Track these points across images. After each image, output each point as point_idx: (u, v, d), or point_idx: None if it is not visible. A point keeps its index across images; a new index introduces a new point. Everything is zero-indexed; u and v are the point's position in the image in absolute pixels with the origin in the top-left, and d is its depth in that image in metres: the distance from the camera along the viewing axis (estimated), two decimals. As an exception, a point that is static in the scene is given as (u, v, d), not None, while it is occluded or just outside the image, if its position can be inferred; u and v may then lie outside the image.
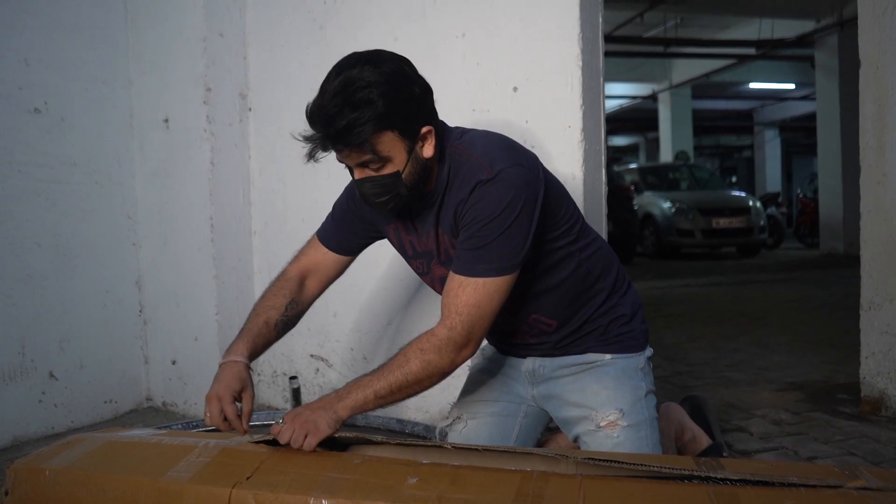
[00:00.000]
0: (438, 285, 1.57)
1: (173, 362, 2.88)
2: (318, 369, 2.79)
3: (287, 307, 1.66)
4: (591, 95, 2.23)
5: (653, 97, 15.94)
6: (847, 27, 10.01)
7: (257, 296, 2.91)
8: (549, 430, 1.83)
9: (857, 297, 2.58)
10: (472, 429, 1.71)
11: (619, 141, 23.93)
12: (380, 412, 2.59)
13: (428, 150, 1.43)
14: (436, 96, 2.41)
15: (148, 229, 2.91)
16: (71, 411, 2.68)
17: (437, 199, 1.48)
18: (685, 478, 1.18)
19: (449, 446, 1.33)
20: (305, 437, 1.33)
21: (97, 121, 2.78)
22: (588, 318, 1.60)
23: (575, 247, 1.56)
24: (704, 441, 1.87)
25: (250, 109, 2.89)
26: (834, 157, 10.46)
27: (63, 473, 1.36)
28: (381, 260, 2.60)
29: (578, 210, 1.62)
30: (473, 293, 1.39)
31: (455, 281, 1.41)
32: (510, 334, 1.67)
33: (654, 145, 19.67)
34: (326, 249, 1.70)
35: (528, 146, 2.25)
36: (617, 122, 18.79)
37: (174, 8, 2.77)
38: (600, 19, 2.31)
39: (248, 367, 1.54)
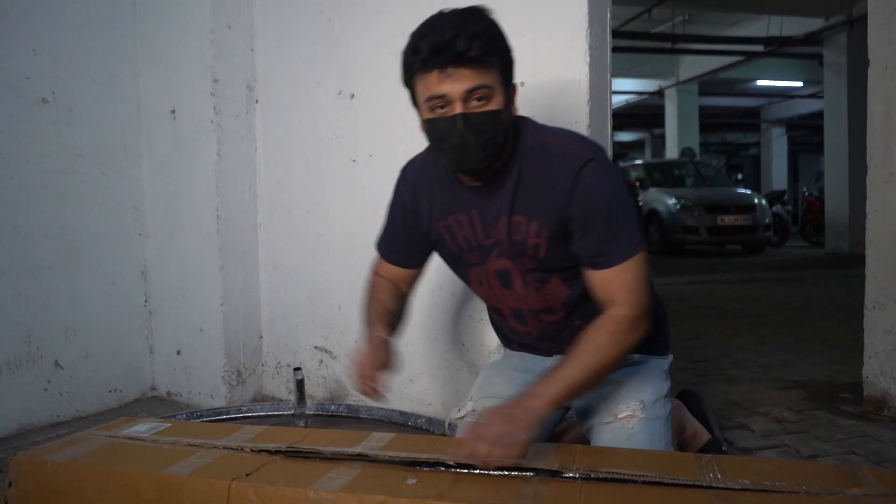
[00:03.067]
0: (495, 280, 1.55)
1: (178, 353, 2.89)
2: (321, 361, 2.80)
3: (395, 297, 1.64)
4: (598, 92, 2.23)
5: (659, 93, 15.88)
6: (856, 25, 9.97)
7: (262, 287, 2.95)
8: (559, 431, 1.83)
9: (862, 296, 2.58)
10: None
11: (625, 137, 23.89)
12: (383, 404, 2.61)
13: (515, 109, 1.43)
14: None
15: (154, 221, 2.92)
16: (76, 400, 2.70)
17: (510, 181, 1.44)
18: (687, 486, 1.19)
19: (452, 463, 1.27)
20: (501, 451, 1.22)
21: (104, 112, 2.79)
22: None
23: None
24: (705, 437, 1.88)
25: (257, 102, 2.89)
26: (841, 156, 10.43)
27: (65, 466, 1.38)
28: (386, 254, 2.61)
29: None
30: (634, 270, 1.39)
31: (611, 271, 1.39)
32: (550, 339, 1.64)
33: (659, 142, 19.63)
34: (394, 267, 1.67)
35: (534, 142, 2.26)
36: (623, 117, 18.74)
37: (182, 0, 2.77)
38: (608, 15, 2.30)
39: (386, 341, 1.53)
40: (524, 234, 1.46)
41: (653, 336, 1.62)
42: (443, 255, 1.65)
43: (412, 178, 1.62)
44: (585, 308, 1.55)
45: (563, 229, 1.43)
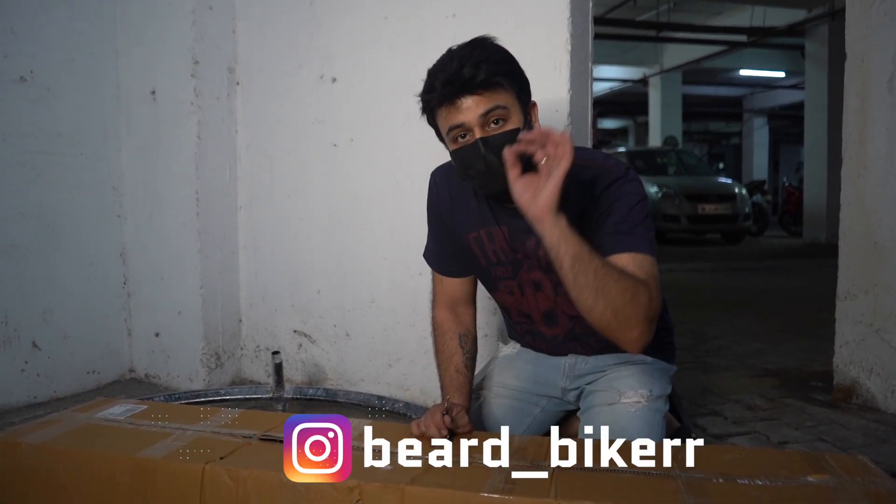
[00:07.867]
0: (528, 287, 1.56)
1: (157, 335, 2.89)
2: (300, 345, 2.81)
3: (462, 346, 1.63)
4: (579, 80, 2.24)
5: (644, 81, 15.92)
6: (838, 17, 10.03)
7: (242, 271, 2.95)
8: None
9: (836, 286, 2.62)
10: (488, 407, 1.71)
11: (609, 124, 23.94)
12: (361, 389, 2.62)
13: (538, 127, 1.42)
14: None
15: (133, 202, 2.90)
16: (54, 381, 2.69)
17: None
18: (657, 475, 1.21)
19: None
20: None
21: (83, 92, 2.76)
22: None
23: None
24: (675, 424, 1.91)
25: (238, 84, 2.87)
26: (820, 147, 10.54)
27: (39, 448, 1.37)
28: (365, 238, 2.62)
29: None
30: (653, 267, 1.34)
31: (629, 256, 1.33)
32: (577, 339, 1.65)
33: (643, 129, 19.70)
34: (448, 278, 1.66)
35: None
36: (607, 105, 18.78)
37: (163, -21, 2.74)
38: (590, 4, 2.31)
39: (464, 408, 1.49)
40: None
41: (662, 344, 1.68)
42: (471, 267, 1.66)
43: (445, 182, 1.62)
44: None
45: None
